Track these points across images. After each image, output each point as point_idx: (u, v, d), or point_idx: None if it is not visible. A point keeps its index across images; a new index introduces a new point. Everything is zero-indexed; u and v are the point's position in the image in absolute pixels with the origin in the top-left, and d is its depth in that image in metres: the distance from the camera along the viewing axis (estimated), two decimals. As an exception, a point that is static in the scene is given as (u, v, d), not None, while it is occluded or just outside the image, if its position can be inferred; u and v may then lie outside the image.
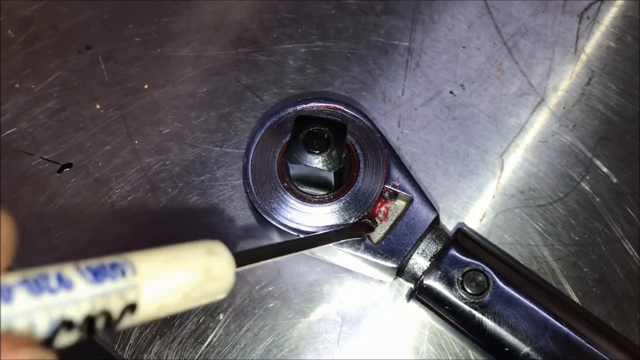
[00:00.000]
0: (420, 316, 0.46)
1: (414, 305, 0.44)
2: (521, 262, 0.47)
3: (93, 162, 0.49)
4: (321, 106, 0.46)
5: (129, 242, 0.47)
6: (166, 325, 0.45)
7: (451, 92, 0.51)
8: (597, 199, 0.48)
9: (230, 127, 0.50)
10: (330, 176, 0.41)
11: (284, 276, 0.47)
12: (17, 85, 0.51)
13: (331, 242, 0.40)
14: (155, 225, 0.48)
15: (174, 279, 0.23)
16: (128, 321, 0.22)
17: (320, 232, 0.42)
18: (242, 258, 0.28)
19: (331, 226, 0.43)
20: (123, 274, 0.22)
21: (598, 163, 0.49)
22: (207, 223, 0.48)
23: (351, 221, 0.43)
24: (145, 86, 0.51)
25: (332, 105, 0.46)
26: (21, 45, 0.53)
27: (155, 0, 0.54)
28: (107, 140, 0.50)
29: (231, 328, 0.46)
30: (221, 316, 0.46)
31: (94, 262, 0.22)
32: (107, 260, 0.22)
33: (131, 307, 0.22)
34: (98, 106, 0.51)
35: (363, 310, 0.47)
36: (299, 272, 0.47)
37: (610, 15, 0.53)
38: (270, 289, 0.46)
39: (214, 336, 0.45)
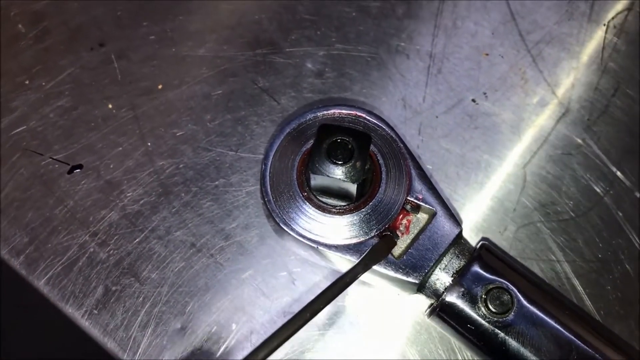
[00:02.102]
0: (428, 321, 0.45)
1: (434, 321, 0.43)
2: (544, 279, 0.45)
3: (104, 163, 0.48)
4: (343, 113, 0.45)
5: (140, 248, 0.46)
6: (177, 334, 0.44)
7: (473, 100, 0.50)
8: (620, 214, 0.47)
9: (246, 131, 0.49)
10: (353, 188, 0.40)
11: (299, 287, 0.46)
12: (27, 82, 0.50)
13: (357, 276, 0.39)
14: (167, 231, 0.46)
15: None
16: None
17: (344, 273, 0.40)
18: None
19: (351, 246, 0.42)
20: None
21: (622, 177, 0.48)
22: (221, 230, 0.46)
23: (372, 234, 0.42)
24: (160, 86, 0.50)
25: (354, 112, 0.45)
26: (32, 41, 0.51)
27: (171, -3, 0.52)
28: (119, 141, 0.48)
29: (244, 335, 0.45)
30: (234, 326, 0.45)
31: None
32: None
33: None
34: (110, 106, 0.49)
35: (370, 314, 0.46)
36: (315, 281, 0.46)
37: (637, 25, 0.52)
38: (284, 299, 0.45)
39: (226, 347, 0.44)
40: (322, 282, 0.46)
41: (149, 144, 0.48)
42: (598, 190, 0.48)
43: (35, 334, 0.47)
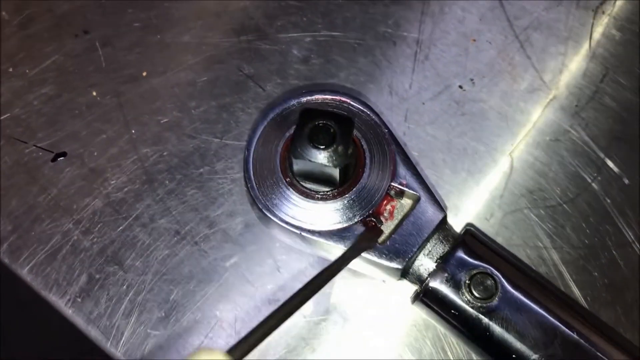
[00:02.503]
0: (423, 317, 0.45)
1: (418, 306, 0.43)
2: (530, 265, 0.45)
3: (88, 151, 0.47)
4: (327, 98, 0.45)
5: (124, 236, 0.46)
6: (161, 323, 0.44)
7: (460, 87, 0.49)
8: (608, 201, 0.47)
9: (231, 118, 0.48)
10: (336, 172, 0.40)
11: (284, 274, 0.45)
12: (10, 70, 0.49)
13: (345, 264, 0.39)
14: (151, 219, 0.46)
15: None
16: None
17: (331, 262, 0.40)
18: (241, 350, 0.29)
19: (335, 232, 0.42)
20: None
21: (610, 163, 0.47)
22: (205, 217, 0.46)
23: (356, 219, 0.42)
24: (144, 73, 0.49)
25: (338, 97, 0.45)
26: (16, 28, 0.51)
27: (156, -16, 0.52)
28: (103, 128, 0.48)
29: (229, 323, 0.44)
30: (218, 314, 0.44)
31: None
32: None
33: None
34: (94, 93, 0.49)
35: (365, 310, 0.45)
36: (300, 269, 0.46)
37: (626, 11, 0.51)
38: (269, 287, 0.45)
39: (210, 335, 0.44)
40: (308, 270, 0.46)
41: (133, 131, 0.48)
42: (586, 176, 0.47)
43: (19, 322, 0.47)
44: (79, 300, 0.44)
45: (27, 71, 0.49)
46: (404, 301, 0.45)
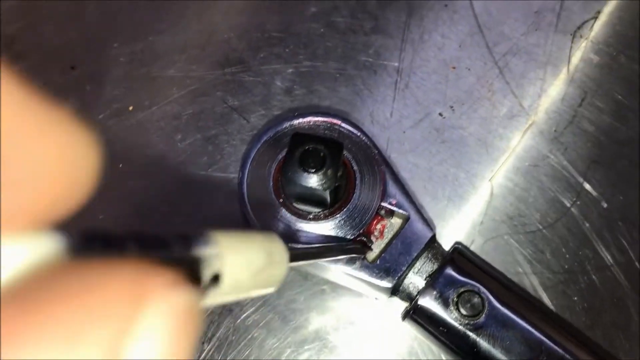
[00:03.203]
0: (414, 334, 0.46)
1: (408, 323, 0.44)
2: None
3: (77, 186, 0.48)
4: (318, 121, 0.46)
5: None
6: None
7: (440, 114, 0.50)
8: (587, 225, 0.48)
9: (216, 150, 0.50)
10: (326, 194, 0.41)
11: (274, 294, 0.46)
12: (0, 107, 0.50)
13: (333, 255, 0.40)
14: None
15: (247, 254, 0.24)
16: (211, 295, 0.22)
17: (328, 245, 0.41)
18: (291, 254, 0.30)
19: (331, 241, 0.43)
20: (207, 243, 0.22)
21: (589, 188, 0.48)
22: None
23: (348, 238, 0.43)
24: (130, 108, 0.51)
25: (329, 120, 0.46)
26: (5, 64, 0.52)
27: (141, 18, 0.53)
28: (92, 163, 0.49)
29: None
30: (205, 346, 0.46)
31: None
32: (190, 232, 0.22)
33: (215, 278, 0.22)
34: (82, 128, 0.50)
35: (356, 331, 0.46)
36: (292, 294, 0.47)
37: (604, 34, 0.52)
38: (255, 309, 0.46)
39: (199, 365, 0.45)
40: (299, 295, 0.47)
41: (121, 165, 0.49)
42: (565, 201, 0.48)
43: None
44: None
45: (17, 108, 0.50)
46: (397, 320, 0.46)
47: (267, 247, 0.26)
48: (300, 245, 0.42)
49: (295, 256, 0.31)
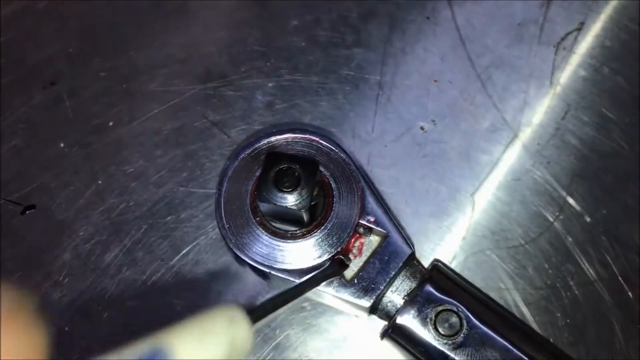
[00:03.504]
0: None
1: (387, 342, 0.43)
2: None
3: (57, 203, 0.48)
4: (296, 137, 0.45)
5: (92, 288, 0.46)
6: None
7: (422, 128, 0.50)
8: (570, 240, 0.47)
9: (197, 165, 0.49)
10: (302, 213, 0.41)
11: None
12: (-20, 123, 0.50)
13: (307, 290, 0.40)
14: (118, 269, 0.47)
15: (206, 354, 0.24)
16: None
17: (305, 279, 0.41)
18: (256, 315, 0.29)
19: (304, 270, 0.42)
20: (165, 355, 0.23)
21: (572, 202, 0.48)
22: (171, 267, 0.47)
23: (325, 257, 0.42)
24: (111, 123, 0.50)
25: (307, 136, 0.45)
26: (-15, 81, 0.52)
27: (122, 33, 0.53)
28: (71, 180, 0.49)
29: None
30: None
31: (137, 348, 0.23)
32: (146, 344, 0.23)
33: None
34: (62, 144, 0.50)
35: (337, 348, 0.46)
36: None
37: (587, 46, 0.52)
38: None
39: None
40: (279, 313, 0.46)
41: (100, 182, 0.49)
42: (548, 215, 0.48)
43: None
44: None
45: (-3, 124, 0.50)
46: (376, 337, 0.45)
47: (229, 335, 0.26)
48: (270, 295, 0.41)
49: (267, 310, 0.32)
